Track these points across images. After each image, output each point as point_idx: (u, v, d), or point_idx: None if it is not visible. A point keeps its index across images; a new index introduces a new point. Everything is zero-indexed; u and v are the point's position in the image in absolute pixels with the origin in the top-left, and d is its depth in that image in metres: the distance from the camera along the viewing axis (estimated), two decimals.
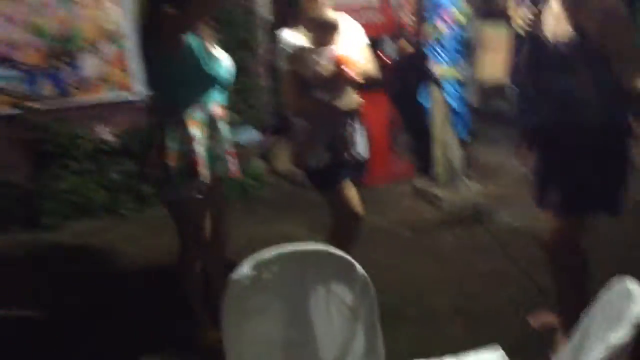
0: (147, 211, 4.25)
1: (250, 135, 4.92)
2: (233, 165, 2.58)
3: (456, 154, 4.42)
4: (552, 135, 2.34)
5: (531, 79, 2.34)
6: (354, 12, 4.32)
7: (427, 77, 4.25)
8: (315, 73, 2.64)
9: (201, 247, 2.62)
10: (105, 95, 4.73)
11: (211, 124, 2.46)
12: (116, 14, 4.62)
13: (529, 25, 2.28)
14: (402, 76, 4.51)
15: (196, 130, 2.39)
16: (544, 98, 2.31)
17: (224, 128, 2.53)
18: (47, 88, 4.54)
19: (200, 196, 2.44)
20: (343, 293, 1.84)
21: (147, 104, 2.93)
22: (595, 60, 2.16)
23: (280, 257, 1.84)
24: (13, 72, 4.41)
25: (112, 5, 4.63)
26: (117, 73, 4.73)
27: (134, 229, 4.07)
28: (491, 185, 4.51)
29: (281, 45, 2.68)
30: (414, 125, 4.70)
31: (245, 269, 1.81)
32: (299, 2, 2.67)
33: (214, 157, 2.48)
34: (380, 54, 4.53)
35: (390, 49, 4.55)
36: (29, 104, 4.42)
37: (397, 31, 4.51)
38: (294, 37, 2.67)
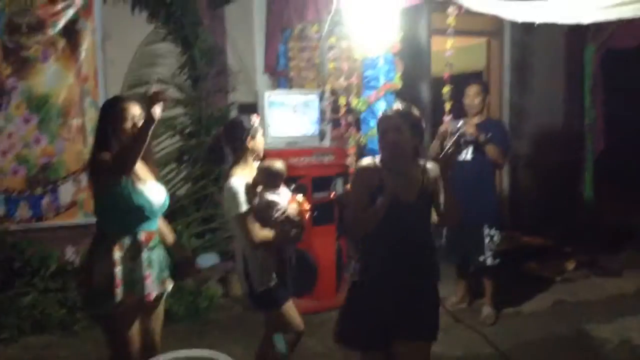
0: (98, 329, 4.47)
1: (209, 259, 5.27)
2: (149, 288, 2.82)
3: None
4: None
5: None
6: (306, 154, 4.91)
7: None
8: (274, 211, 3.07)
9: None
10: (78, 219, 5.16)
11: (135, 249, 2.79)
12: None
13: None
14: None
15: (119, 254, 2.74)
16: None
17: (147, 254, 2.84)
18: (24, 211, 4.98)
19: (120, 313, 2.74)
20: None
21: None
22: None
23: None
24: None
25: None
26: (91, 200, 5.17)
27: (85, 345, 4.29)
28: None
29: (234, 191, 2.99)
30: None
31: None
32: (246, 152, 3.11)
33: (133, 280, 2.78)
34: (332, 192, 5.04)
35: (340, 187, 5.03)
36: (4, 225, 4.83)
37: (346, 172, 5.00)
38: (242, 183, 3.04)
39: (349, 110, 4.78)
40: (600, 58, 6.83)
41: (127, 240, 2.78)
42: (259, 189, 3.09)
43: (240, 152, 3.11)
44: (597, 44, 6.73)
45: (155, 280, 2.88)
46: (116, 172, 2.70)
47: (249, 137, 3.08)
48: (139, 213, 2.79)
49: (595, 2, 3.05)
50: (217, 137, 3.22)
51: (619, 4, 2.91)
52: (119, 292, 2.72)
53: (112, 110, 2.85)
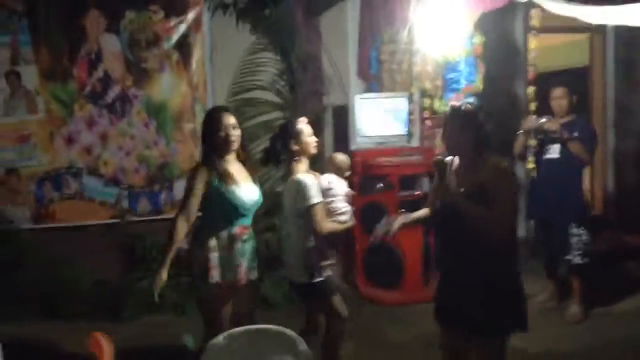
0: None
1: None
2: (240, 275, 3.24)
3: None
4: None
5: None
6: (394, 153, 5.15)
7: None
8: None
9: None
10: None
11: (230, 241, 3.20)
12: None
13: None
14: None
15: (214, 243, 3.16)
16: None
17: (241, 245, 3.24)
18: (144, 205, 5.64)
19: (214, 294, 3.16)
20: None
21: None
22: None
23: (247, 332, 2.52)
24: (119, 191, 5.57)
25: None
26: None
27: (195, 324, 4.80)
28: None
29: (304, 184, 3.33)
30: None
31: (220, 339, 2.49)
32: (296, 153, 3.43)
33: (226, 267, 3.19)
34: (418, 190, 5.24)
35: (426, 186, 5.22)
36: (128, 216, 5.51)
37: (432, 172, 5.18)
38: (310, 178, 3.39)
39: (433, 111, 4.95)
40: None
41: (223, 233, 3.19)
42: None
43: (289, 153, 3.40)
44: None
45: (247, 268, 3.29)
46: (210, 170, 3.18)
47: (292, 140, 3.38)
48: (233, 210, 3.19)
49: None
50: (272, 139, 3.50)
51: None
52: (213, 275, 3.14)
53: (208, 119, 3.29)
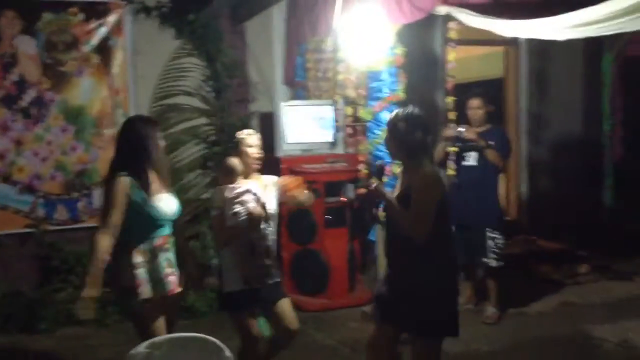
0: (127, 322, 4.86)
1: None
2: (172, 285, 3.17)
3: None
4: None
5: None
6: (319, 160, 5.21)
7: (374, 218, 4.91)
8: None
9: None
10: None
11: (152, 253, 3.12)
12: None
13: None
14: (358, 216, 5.25)
15: (139, 258, 3.07)
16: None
17: (164, 255, 3.16)
18: (61, 213, 5.43)
19: (147, 308, 3.07)
20: None
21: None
22: None
23: (169, 340, 2.47)
24: (34, 198, 5.33)
25: None
26: None
27: (116, 336, 4.67)
28: None
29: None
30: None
31: (141, 347, 2.43)
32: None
33: (155, 280, 3.11)
34: (342, 196, 5.32)
35: (351, 191, 5.31)
36: (43, 226, 5.29)
37: (356, 178, 5.26)
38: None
39: (357, 119, 5.05)
40: (618, 66, 6.92)
41: (145, 247, 3.11)
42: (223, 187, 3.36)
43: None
44: (614, 52, 6.83)
45: (176, 277, 3.22)
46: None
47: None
48: (153, 222, 3.12)
49: (564, 22, 3.27)
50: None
51: (584, 24, 3.12)
52: (142, 290, 3.06)
53: (130, 128, 3.22)
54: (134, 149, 3.12)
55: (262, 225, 3.35)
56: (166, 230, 3.22)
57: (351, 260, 5.34)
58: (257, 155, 3.44)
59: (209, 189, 5.93)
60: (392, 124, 2.96)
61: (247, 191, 3.32)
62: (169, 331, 3.35)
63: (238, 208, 3.27)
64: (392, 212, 2.87)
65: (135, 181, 3.07)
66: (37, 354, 4.47)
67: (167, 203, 3.19)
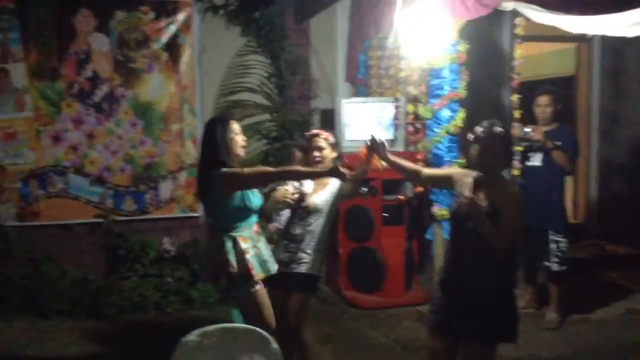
0: (189, 311, 5.04)
1: None
2: (275, 265, 3.38)
3: None
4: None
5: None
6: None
7: (432, 217, 4.86)
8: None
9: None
10: (175, 213, 5.77)
11: (253, 238, 3.32)
12: (192, 151, 5.73)
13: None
14: (416, 214, 5.20)
15: (245, 245, 3.24)
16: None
17: (262, 239, 3.39)
18: (129, 204, 5.65)
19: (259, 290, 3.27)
20: None
21: (208, 227, 3.79)
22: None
23: (220, 330, 2.55)
24: (104, 190, 5.58)
25: (191, 144, 5.77)
26: (187, 196, 5.78)
27: (176, 324, 4.84)
28: None
29: None
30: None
31: (192, 335, 2.52)
32: None
33: (262, 262, 3.30)
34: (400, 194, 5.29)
35: (409, 190, 5.27)
36: (112, 216, 5.53)
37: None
38: None
39: (417, 117, 5.00)
40: None
41: (246, 233, 3.29)
42: None
43: None
44: None
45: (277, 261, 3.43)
46: (246, 187, 3.25)
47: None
48: (252, 211, 3.32)
49: (633, 19, 3.12)
50: None
51: None
52: (255, 273, 3.24)
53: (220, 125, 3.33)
54: (225, 145, 3.26)
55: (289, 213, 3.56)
56: (256, 219, 3.42)
57: (408, 258, 5.31)
58: (318, 158, 3.57)
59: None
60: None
61: None
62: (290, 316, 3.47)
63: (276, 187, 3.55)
64: (482, 229, 2.78)
65: None
66: (102, 339, 4.68)
67: (255, 193, 3.37)
